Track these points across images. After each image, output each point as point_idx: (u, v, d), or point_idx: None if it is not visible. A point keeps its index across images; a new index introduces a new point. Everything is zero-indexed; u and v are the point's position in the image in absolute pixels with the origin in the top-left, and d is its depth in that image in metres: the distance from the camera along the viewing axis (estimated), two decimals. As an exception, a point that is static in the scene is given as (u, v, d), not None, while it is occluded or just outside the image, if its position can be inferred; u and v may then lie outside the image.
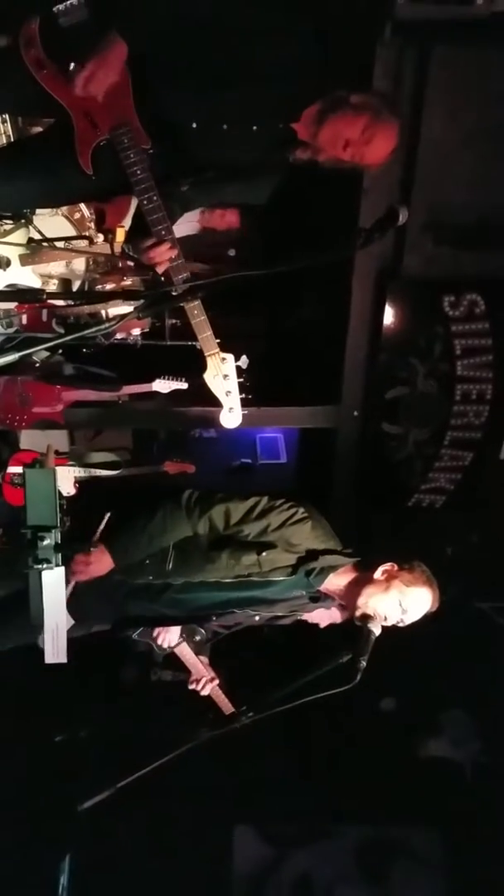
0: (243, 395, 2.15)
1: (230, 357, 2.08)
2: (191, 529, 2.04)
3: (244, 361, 2.16)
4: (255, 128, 1.96)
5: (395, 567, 2.04)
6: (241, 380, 2.15)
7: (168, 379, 2.79)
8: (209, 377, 2.10)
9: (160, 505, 2.04)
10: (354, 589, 2.03)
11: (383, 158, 1.97)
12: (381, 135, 1.92)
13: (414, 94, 2.28)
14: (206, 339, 2.04)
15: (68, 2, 1.76)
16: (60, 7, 1.76)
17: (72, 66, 1.78)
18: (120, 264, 2.76)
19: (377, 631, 1.92)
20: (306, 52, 1.89)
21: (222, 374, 2.08)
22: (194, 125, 1.95)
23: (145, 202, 1.89)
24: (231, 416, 2.16)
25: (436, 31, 2.15)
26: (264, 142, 1.99)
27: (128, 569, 2.09)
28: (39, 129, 2.50)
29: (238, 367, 2.13)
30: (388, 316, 2.74)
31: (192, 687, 2.24)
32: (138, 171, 1.88)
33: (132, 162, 1.88)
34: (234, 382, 2.11)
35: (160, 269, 1.98)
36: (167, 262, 1.95)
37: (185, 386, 2.78)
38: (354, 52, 2.13)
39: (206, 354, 2.07)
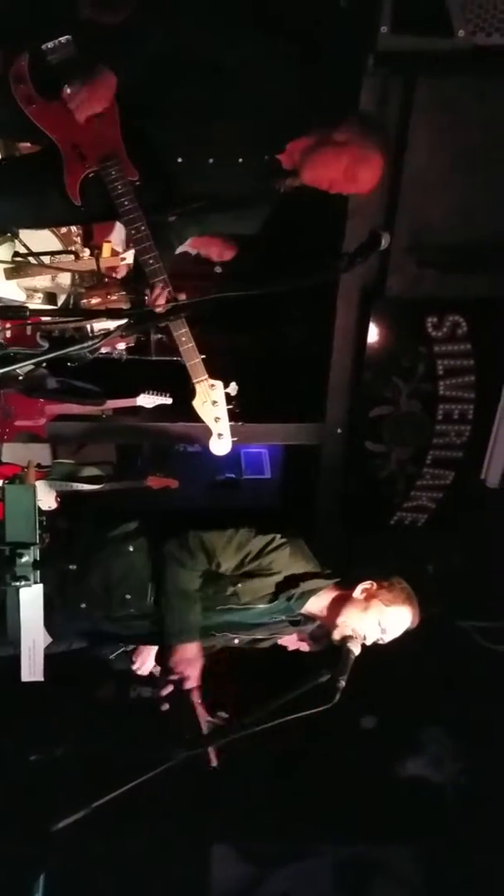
0: (232, 423, 2.16)
1: (219, 384, 2.10)
2: (197, 573, 2.03)
3: (233, 388, 2.17)
4: (240, 160, 2.00)
5: (375, 586, 2.05)
6: (231, 406, 2.16)
7: (152, 394, 2.79)
8: (198, 404, 2.11)
9: (162, 581, 2.04)
10: (334, 608, 2.04)
11: (370, 189, 2.01)
12: (364, 169, 1.96)
13: (399, 121, 2.32)
14: (195, 366, 2.07)
15: (56, 40, 1.81)
16: (49, 45, 1.82)
17: (66, 89, 1.82)
18: (106, 280, 2.76)
19: (356, 651, 1.92)
20: (291, 85, 1.93)
21: (211, 401, 2.10)
22: (180, 160, 1.99)
23: (133, 232, 1.93)
24: (220, 442, 2.17)
25: (419, 61, 2.19)
26: (250, 174, 2.02)
27: (109, 605, 2.08)
28: (27, 144, 2.51)
29: (227, 394, 2.14)
30: (372, 335, 2.77)
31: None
32: (126, 203, 1.92)
33: (120, 193, 1.92)
34: (223, 409, 2.12)
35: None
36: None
37: (169, 401, 2.79)
38: (341, 81, 2.16)
39: (194, 381, 2.09)
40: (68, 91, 1.82)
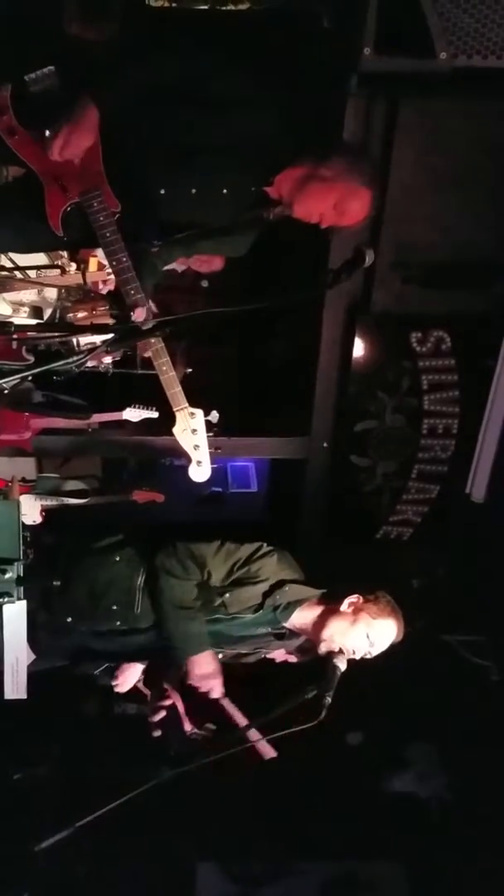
0: (212, 450, 2.18)
1: (199, 412, 2.12)
2: (192, 583, 2.01)
3: (214, 416, 2.19)
4: (224, 191, 2.01)
5: (361, 599, 2.05)
6: (211, 434, 2.17)
7: (138, 408, 2.79)
8: (178, 431, 2.14)
9: (157, 596, 2.02)
10: (320, 623, 2.03)
11: (359, 222, 2.02)
12: (353, 205, 1.97)
13: (382, 140, 2.35)
14: (175, 394, 2.08)
15: (40, 70, 1.82)
16: (32, 76, 1.82)
17: (47, 133, 1.83)
18: (92, 294, 2.77)
19: (343, 666, 1.92)
20: (277, 119, 1.94)
21: (191, 429, 2.11)
22: (162, 192, 1.99)
23: (114, 263, 1.94)
24: (199, 469, 2.19)
25: (402, 82, 2.22)
26: (236, 204, 2.03)
27: (93, 616, 2.07)
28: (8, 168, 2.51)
29: (208, 422, 2.16)
30: (358, 350, 2.79)
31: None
32: (108, 234, 1.92)
33: (102, 224, 1.92)
34: (202, 437, 2.13)
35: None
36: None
37: (155, 415, 2.78)
38: (325, 102, 2.18)
39: (174, 409, 2.10)
40: (49, 135, 1.82)
